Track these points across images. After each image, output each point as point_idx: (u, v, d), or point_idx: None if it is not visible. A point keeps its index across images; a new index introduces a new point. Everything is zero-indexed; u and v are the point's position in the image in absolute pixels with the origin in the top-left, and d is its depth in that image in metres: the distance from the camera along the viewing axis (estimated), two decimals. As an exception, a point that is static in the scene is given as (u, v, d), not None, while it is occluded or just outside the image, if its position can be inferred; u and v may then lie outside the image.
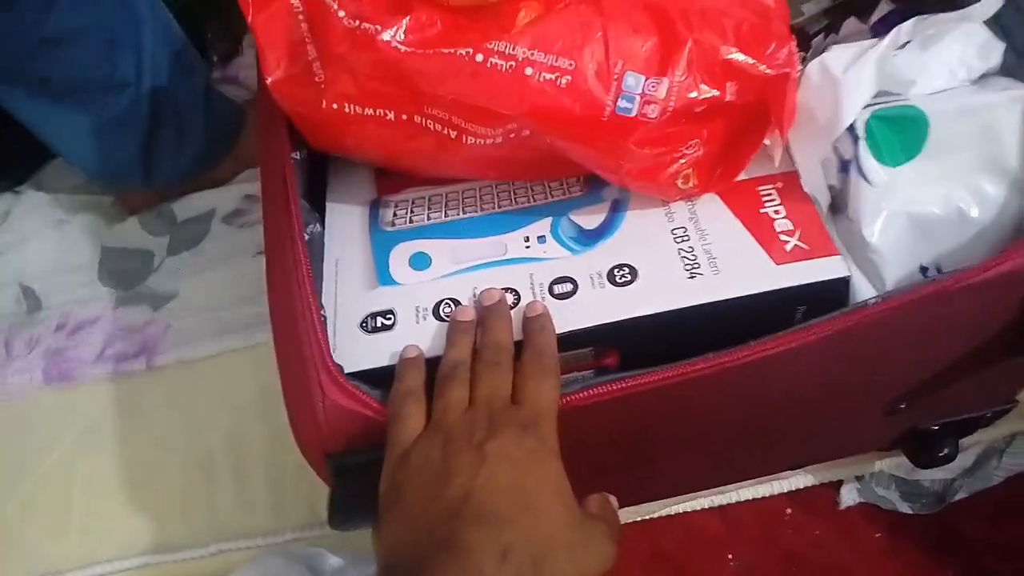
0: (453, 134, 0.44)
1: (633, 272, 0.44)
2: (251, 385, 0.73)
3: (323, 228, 0.50)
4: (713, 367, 0.40)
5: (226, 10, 0.88)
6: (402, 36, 0.41)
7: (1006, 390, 0.55)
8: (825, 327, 0.40)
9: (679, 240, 0.45)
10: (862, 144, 0.44)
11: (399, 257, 0.47)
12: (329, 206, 0.51)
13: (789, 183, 0.47)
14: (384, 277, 0.46)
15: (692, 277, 0.44)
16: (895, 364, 0.46)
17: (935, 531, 0.66)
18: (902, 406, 0.50)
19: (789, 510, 0.68)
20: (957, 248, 0.46)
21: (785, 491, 0.68)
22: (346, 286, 0.47)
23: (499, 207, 0.49)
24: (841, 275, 0.43)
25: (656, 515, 0.68)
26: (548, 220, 0.48)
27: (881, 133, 0.44)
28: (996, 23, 0.46)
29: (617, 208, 0.48)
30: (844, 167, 0.46)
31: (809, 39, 0.60)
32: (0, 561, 0.69)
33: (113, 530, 0.69)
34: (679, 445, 0.50)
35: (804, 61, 0.46)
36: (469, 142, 0.44)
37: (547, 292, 0.44)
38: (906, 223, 0.45)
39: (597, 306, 0.44)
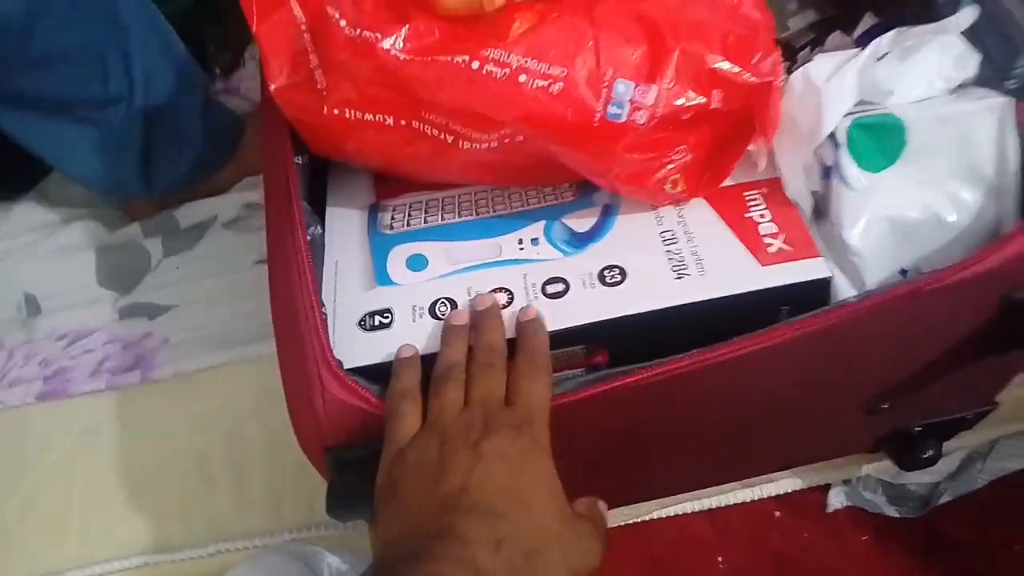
0: (450, 139, 0.45)
1: (623, 273, 0.46)
2: (249, 392, 0.74)
3: (323, 230, 0.51)
4: (697, 363, 0.42)
5: (228, 24, 0.90)
6: (401, 44, 0.42)
7: (986, 392, 0.57)
8: (805, 325, 0.42)
9: (667, 243, 0.47)
10: (843, 150, 0.46)
11: (397, 258, 0.49)
12: (329, 210, 0.53)
13: (774, 189, 0.49)
14: (382, 277, 0.48)
15: (679, 278, 0.45)
16: (875, 363, 0.48)
17: (921, 534, 0.67)
18: (884, 406, 0.52)
19: (778, 513, 0.69)
20: (936, 252, 0.47)
21: (774, 494, 0.69)
22: (345, 286, 0.48)
23: (494, 211, 0.51)
24: (823, 276, 0.45)
25: (648, 518, 0.69)
26: (541, 223, 0.49)
27: (861, 140, 0.46)
28: (973, 35, 0.48)
29: (608, 212, 0.50)
30: (826, 173, 0.47)
31: (796, 52, 0.62)
32: (0, 561, 0.70)
33: (112, 531, 0.70)
34: (667, 443, 0.51)
35: (790, 72, 0.48)
36: (465, 147, 0.46)
37: (540, 292, 0.46)
38: (886, 227, 0.47)
39: (588, 305, 0.45)
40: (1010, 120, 0.46)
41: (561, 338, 0.44)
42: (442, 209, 0.52)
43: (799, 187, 0.48)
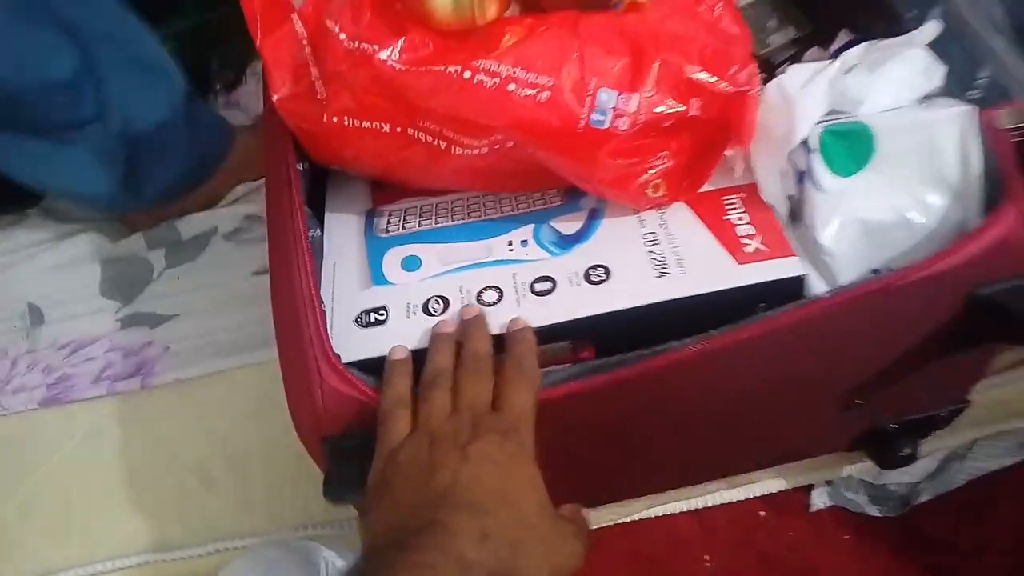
0: (443, 145, 0.48)
1: (607, 272, 0.48)
2: (247, 397, 0.76)
3: (323, 234, 0.54)
4: (676, 355, 0.44)
5: (231, 43, 0.93)
6: (397, 55, 0.45)
7: (958, 390, 0.59)
8: (780, 318, 0.44)
9: (649, 244, 0.49)
10: (815, 156, 0.48)
11: (392, 260, 0.51)
12: (328, 215, 0.55)
13: (752, 193, 0.51)
14: (378, 277, 0.50)
15: (661, 276, 0.48)
16: (847, 358, 0.50)
17: (901, 533, 0.69)
18: (858, 401, 0.54)
19: (763, 513, 0.71)
20: (905, 252, 0.49)
21: (759, 494, 0.71)
22: (342, 286, 0.50)
23: (485, 215, 0.53)
24: (797, 273, 0.47)
25: (636, 517, 0.70)
26: (530, 226, 0.52)
27: (833, 146, 0.48)
28: (938, 49, 0.51)
29: (594, 216, 0.52)
30: (801, 178, 0.50)
31: (776, 67, 0.64)
32: (1, 562, 0.71)
33: (113, 531, 0.72)
34: (650, 437, 0.53)
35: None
36: (457, 152, 0.48)
37: (528, 290, 0.48)
38: (857, 229, 0.49)
39: (574, 302, 0.47)
40: (972, 128, 0.48)
41: (548, 333, 0.47)
42: (436, 214, 0.54)
43: (775, 191, 0.50)
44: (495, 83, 0.45)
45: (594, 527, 0.67)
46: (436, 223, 0.53)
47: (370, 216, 0.55)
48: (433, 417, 0.41)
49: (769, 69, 0.59)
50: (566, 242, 0.51)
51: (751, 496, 0.71)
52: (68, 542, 0.72)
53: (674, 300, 0.47)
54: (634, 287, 0.47)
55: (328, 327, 0.47)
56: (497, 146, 0.48)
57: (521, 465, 0.40)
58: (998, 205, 0.46)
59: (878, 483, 0.70)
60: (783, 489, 0.71)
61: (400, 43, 0.45)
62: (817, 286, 0.49)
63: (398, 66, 0.45)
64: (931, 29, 0.49)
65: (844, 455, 0.68)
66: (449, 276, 0.50)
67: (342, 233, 0.54)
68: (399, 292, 0.49)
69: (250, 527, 0.70)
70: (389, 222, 0.54)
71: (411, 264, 0.51)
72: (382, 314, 0.48)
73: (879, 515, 0.70)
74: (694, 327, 0.45)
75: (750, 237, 0.49)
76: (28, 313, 0.86)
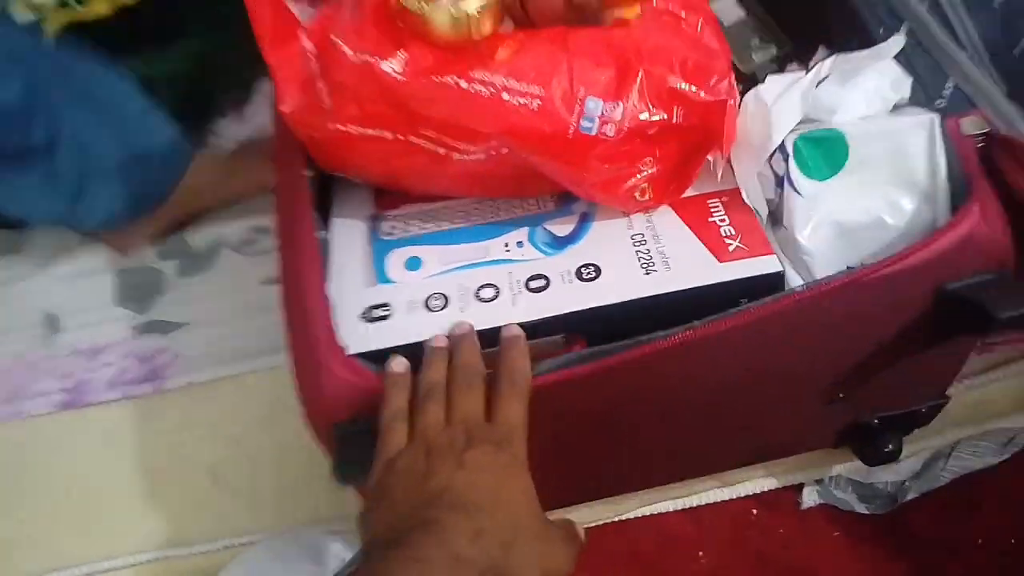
0: (442, 151, 0.51)
1: (597, 270, 0.51)
2: (259, 400, 0.79)
3: (329, 237, 0.57)
4: (663, 344, 0.47)
5: (239, 61, 0.97)
6: (399, 67, 0.48)
7: (936, 385, 0.61)
8: (757, 311, 0.47)
9: (637, 244, 0.53)
10: (792, 161, 0.52)
11: (394, 260, 0.54)
12: (333, 220, 0.58)
13: (734, 197, 0.54)
14: (382, 277, 0.53)
15: (648, 273, 0.51)
16: (826, 351, 0.53)
17: (889, 529, 0.71)
18: (840, 395, 0.57)
19: (755, 511, 0.73)
20: (879, 251, 0.52)
21: (751, 493, 0.73)
22: (348, 284, 0.53)
23: (483, 219, 0.57)
24: (776, 270, 0.50)
25: (630, 516, 0.73)
26: (525, 229, 0.55)
27: (808, 151, 0.52)
28: (907, 62, 0.54)
29: (585, 219, 0.55)
30: (779, 182, 0.53)
31: (759, 83, 0.68)
32: (23, 557, 0.74)
33: (128, 528, 0.74)
34: (637, 425, 0.56)
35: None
36: (456, 158, 0.51)
37: (523, 287, 0.51)
38: (833, 229, 0.52)
39: (566, 297, 0.50)
40: (939, 134, 0.51)
41: (542, 327, 0.50)
42: (436, 218, 0.57)
43: (755, 195, 0.54)
44: (491, 93, 0.48)
45: (587, 525, 0.70)
46: (436, 227, 0.56)
47: (374, 220, 0.58)
48: (429, 428, 0.43)
49: (753, 83, 0.63)
50: (559, 243, 0.54)
51: (743, 495, 0.73)
52: (87, 539, 0.74)
53: (660, 295, 0.50)
54: (623, 283, 0.50)
55: (335, 321, 0.50)
56: (493, 152, 0.51)
57: (514, 475, 0.42)
58: (963, 205, 0.49)
59: (866, 482, 0.72)
60: (774, 488, 0.73)
61: (402, 56, 0.49)
62: (796, 284, 0.52)
63: (400, 77, 0.48)
64: (896, 42, 0.52)
65: (833, 454, 0.70)
66: (449, 275, 0.53)
67: (348, 236, 0.57)
68: (402, 290, 0.52)
69: (261, 524, 0.73)
70: (392, 226, 0.57)
71: (413, 264, 0.54)
72: (386, 310, 0.51)
73: (868, 513, 0.71)
74: (680, 321, 0.48)
75: (732, 238, 0.52)
76: (45, 321, 0.89)
